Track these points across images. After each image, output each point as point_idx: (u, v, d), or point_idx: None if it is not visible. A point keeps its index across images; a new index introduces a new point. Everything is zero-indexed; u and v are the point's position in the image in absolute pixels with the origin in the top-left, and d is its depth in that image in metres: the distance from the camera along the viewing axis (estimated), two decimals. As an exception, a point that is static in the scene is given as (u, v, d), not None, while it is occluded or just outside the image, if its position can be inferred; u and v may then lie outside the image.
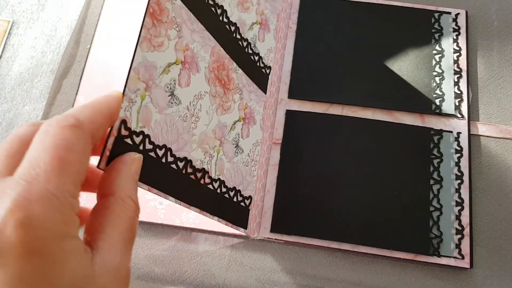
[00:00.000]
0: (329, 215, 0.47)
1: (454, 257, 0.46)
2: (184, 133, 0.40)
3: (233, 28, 0.46)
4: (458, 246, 0.46)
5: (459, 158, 0.49)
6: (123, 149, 0.32)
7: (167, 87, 0.40)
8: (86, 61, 0.52)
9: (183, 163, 0.40)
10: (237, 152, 0.45)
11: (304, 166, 0.49)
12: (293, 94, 0.52)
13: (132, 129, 0.34)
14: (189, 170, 0.40)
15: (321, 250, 0.48)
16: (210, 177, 0.42)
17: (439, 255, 0.46)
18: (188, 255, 0.48)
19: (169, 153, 0.39)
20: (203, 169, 0.41)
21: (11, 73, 0.52)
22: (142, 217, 0.47)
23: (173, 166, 0.39)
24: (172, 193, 0.37)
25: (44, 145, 0.21)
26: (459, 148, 0.50)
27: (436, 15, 0.56)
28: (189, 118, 0.41)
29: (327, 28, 0.55)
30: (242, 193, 0.46)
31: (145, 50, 0.36)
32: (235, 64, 0.45)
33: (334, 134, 0.50)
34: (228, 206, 0.44)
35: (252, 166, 0.48)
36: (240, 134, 0.46)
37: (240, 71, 0.46)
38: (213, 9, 0.44)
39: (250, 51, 0.48)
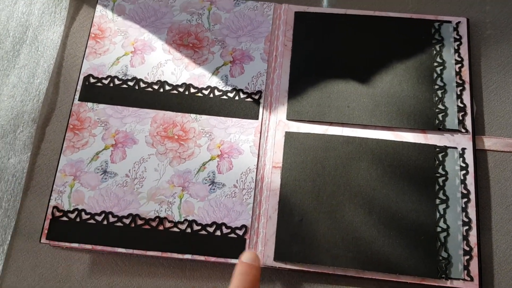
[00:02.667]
0: (333, 240, 0.46)
1: (462, 279, 0.45)
2: (126, 196, 0.48)
3: (182, 89, 0.52)
4: (466, 267, 0.45)
5: (464, 175, 0.48)
6: (59, 225, 0.47)
7: (98, 169, 0.49)
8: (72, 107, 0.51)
9: (129, 219, 0.47)
10: (213, 189, 0.48)
11: (305, 190, 0.48)
12: (291, 115, 0.51)
13: (66, 210, 0.47)
14: (139, 222, 0.47)
15: (326, 277, 0.47)
16: (172, 221, 0.47)
17: (447, 278, 0.45)
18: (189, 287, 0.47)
19: (110, 215, 0.47)
20: (158, 217, 0.47)
21: None
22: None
23: (118, 224, 0.47)
24: (120, 245, 0.46)
25: None
26: (464, 165, 0.48)
27: (436, 24, 0.54)
28: (131, 182, 0.49)
29: (324, 44, 0.54)
30: (229, 225, 0.46)
31: (68, 155, 0.50)
32: (193, 115, 0.51)
33: (335, 156, 0.49)
34: (209, 241, 0.46)
35: (244, 195, 0.47)
36: (217, 171, 0.48)
37: (204, 116, 0.51)
38: (149, 89, 0.52)
39: (218, 93, 0.51)
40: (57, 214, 0.47)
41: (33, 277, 0.48)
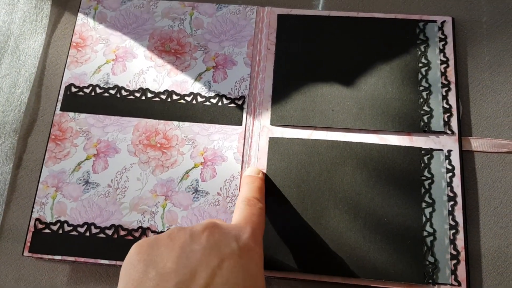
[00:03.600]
0: (318, 247, 0.45)
1: (450, 284, 0.44)
2: (108, 206, 0.48)
3: (164, 96, 0.51)
4: (453, 272, 0.44)
5: (451, 177, 0.47)
6: (42, 238, 0.47)
7: (80, 180, 0.49)
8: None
9: (112, 230, 0.47)
10: (197, 197, 0.47)
11: (290, 196, 0.47)
12: (275, 120, 0.50)
13: (48, 222, 0.47)
14: (122, 233, 0.47)
15: (312, 285, 0.46)
16: (155, 232, 0.47)
17: (434, 283, 0.44)
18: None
19: (92, 227, 0.47)
20: (141, 227, 0.47)
21: None
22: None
23: (101, 235, 0.47)
24: (103, 257, 0.46)
25: None
26: (450, 167, 0.48)
27: (421, 24, 0.53)
28: (113, 192, 0.48)
29: (307, 46, 0.53)
30: None
31: (50, 166, 0.50)
32: (176, 122, 0.50)
33: (319, 160, 0.48)
34: None
35: (228, 203, 0.47)
36: (200, 178, 0.47)
37: (187, 123, 0.50)
38: (131, 97, 0.52)
39: (201, 99, 0.50)
40: (40, 226, 0.47)
41: (16, 290, 0.47)
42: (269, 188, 0.48)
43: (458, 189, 0.47)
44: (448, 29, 0.53)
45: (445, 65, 0.51)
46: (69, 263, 0.48)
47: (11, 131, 0.52)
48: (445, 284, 0.44)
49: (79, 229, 0.47)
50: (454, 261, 0.45)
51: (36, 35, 0.57)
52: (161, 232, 0.47)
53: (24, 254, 0.46)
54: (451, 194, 0.47)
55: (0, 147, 0.52)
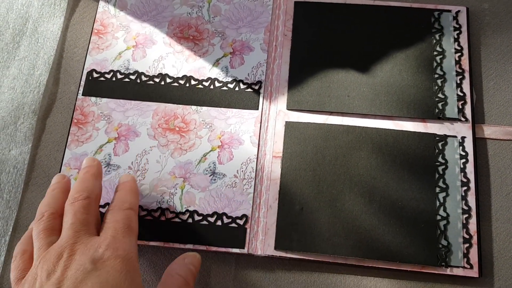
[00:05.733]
0: (333, 229, 0.46)
1: (462, 267, 0.45)
2: None
3: (182, 82, 0.52)
4: (466, 255, 0.45)
5: (464, 163, 0.48)
6: None
7: (102, 162, 0.49)
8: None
9: None
10: (214, 180, 0.48)
11: (306, 179, 0.48)
12: (291, 105, 0.51)
13: None
14: (142, 213, 0.48)
15: (326, 266, 0.47)
16: (174, 212, 0.48)
17: (446, 266, 0.45)
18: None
19: None
20: (160, 208, 0.48)
21: None
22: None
23: None
24: None
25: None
26: (464, 153, 0.48)
27: (436, 13, 0.54)
28: (133, 174, 0.49)
29: (323, 33, 0.54)
30: (230, 214, 0.47)
31: (73, 149, 0.51)
32: (194, 107, 0.51)
33: (335, 145, 0.49)
34: (210, 231, 0.46)
35: (245, 185, 0.47)
36: (217, 161, 0.48)
37: (205, 108, 0.51)
38: (150, 82, 0.53)
39: (219, 84, 0.51)
40: None
41: (35, 267, 0.48)
42: (285, 171, 0.48)
43: (471, 175, 0.48)
44: (463, 19, 0.54)
45: (459, 54, 0.52)
46: (88, 242, 0.48)
47: (30, 112, 0.53)
48: (458, 267, 0.45)
49: (100, 209, 0.48)
50: (467, 245, 0.45)
51: (55, 18, 0.58)
52: (180, 213, 0.47)
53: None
54: (464, 180, 0.48)
55: (19, 128, 0.53)
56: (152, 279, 0.47)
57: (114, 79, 0.53)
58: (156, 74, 0.53)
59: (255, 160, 0.49)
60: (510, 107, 0.51)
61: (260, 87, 0.52)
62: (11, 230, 0.49)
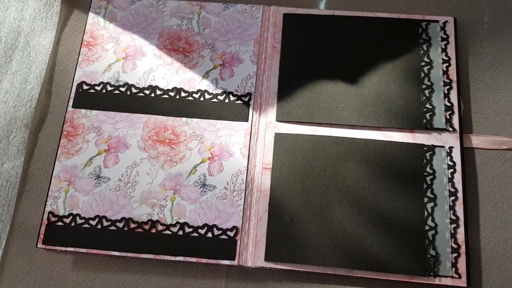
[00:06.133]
0: (323, 240, 0.46)
1: (450, 277, 0.45)
2: (119, 200, 0.49)
3: (172, 94, 0.53)
4: (454, 265, 0.46)
5: (452, 173, 0.49)
6: (55, 230, 0.48)
7: (92, 174, 0.50)
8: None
9: (122, 223, 0.48)
10: (204, 191, 0.48)
11: (295, 190, 0.48)
12: (280, 116, 0.52)
13: (61, 215, 0.48)
14: (132, 225, 0.48)
15: (316, 277, 0.47)
16: (164, 224, 0.48)
17: (435, 275, 0.45)
18: (183, 288, 0.48)
19: (104, 219, 0.48)
20: (150, 220, 0.48)
21: None
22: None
23: (112, 228, 0.48)
24: (114, 249, 0.47)
25: None
26: (451, 163, 0.49)
27: (424, 24, 0.54)
28: (124, 186, 0.49)
29: (312, 45, 0.54)
30: (220, 226, 0.47)
31: (63, 161, 0.51)
32: (184, 119, 0.52)
33: (324, 156, 0.49)
34: (201, 243, 0.47)
35: (235, 196, 0.48)
36: (208, 173, 0.49)
37: (195, 120, 0.52)
38: (140, 94, 0.53)
39: (209, 96, 0.52)
40: (53, 219, 0.48)
41: (28, 281, 0.49)
42: (275, 182, 0.49)
43: (459, 185, 0.48)
44: (450, 29, 0.54)
45: (447, 64, 0.53)
46: (80, 255, 0.49)
47: (22, 126, 0.54)
48: (446, 277, 0.45)
49: (91, 221, 0.48)
50: (455, 255, 0.46)
51: (46, 32, 0.58)
52: (170, 225, 0.48)
53: (38, 246, 0.47)
54: (452, 190, 0.48)
55: (12, 142, 0.53)
56: (144, 291, 0.48)
57: (104, 91, 0.53)
58: (146, 86, 0.53)
59: (245, 171, 0.50)
60: (497, 117, 0.52)
61: (249, 99, 0.52)
62: (4, 243, 0.50)
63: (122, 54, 0.55)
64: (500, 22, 0.55)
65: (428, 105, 0.51)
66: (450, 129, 0.50)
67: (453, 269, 0.46)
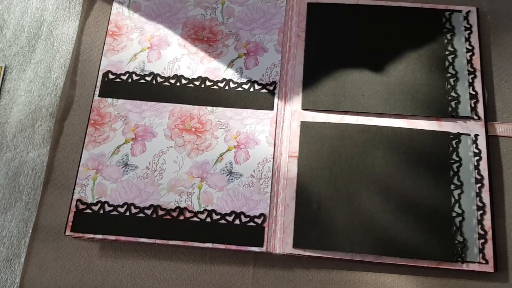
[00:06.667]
0: (351, 227, 0.47)
1: (478, 262, 0.46)
2: (147, 187, 0.49)
3: (197, 83, 0.53)
4: (481, 250, 0.46)
5: (478, 161, 0.49)
6: (83, 218, 0.48)
7: (119, 162, 0.50)
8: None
9: (150, 210, 0.48)
10: (231, 179, 0.49)
11: (322, 178, 0.49)
12: (306, 105, 0.52)
13: (89, 202, 0.48)
14: (161, 212, 0.48)
15: (344, 263, 0.48)
16: (192, 211, 0.48)
17: (463, 261, 0.46)
18: (210, 276, 0.48)
19: (132, 207, 0.49)
20: (178, 207, 0.48)
21: (11, 121, 0.52)
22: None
23: (140, 215, 0.48)
24: (143, 236, 0.47)
25: None
26: (477, 151, 0.49)
27: (447, 14, 0.55)
28: (151, 174, 0.50)
29: (336, 33, 0.54)
30: (248, 214, 0.48)
31: (90, 149, 0.51)
32: (210, 108, 0.52)
33: (351, 144, 0.50)
34: (229, 230, 0.47)
35: (262, 184, 0.48)
36: (234, 161, 0.49)
37: (220, 109, 0.52)
38: (166, 83, 0.53)
39: (234, 85, 0.52)
40: (81, 206, 0.48)
41: (55, 268, 0.49)
42: (302, 170, 0.49)
43: (485, 172, 0.48)
44: (473, 19, 0.54)
45: (470, 53, 0.53)
46: (107, 242, 0.49)
47: (47, 115, 0.54)
48: (473, 262, 0.46)
49: (119, 209, 0.48)
50: (482, 240, 0.46)
51: (70, 22, 0.58)
52: (198, 212, 0.48)
53: (66, 234, 0.48)
54: (478, 177, 0.48)
55: (37, 130, 0.53)
56: (172, 277, 0.48)
57: (130, 80, 0.53)
58: (171, 76, 0.53)
59: (272, 159, 0.50)
60: (521, 105, 0.52)
61: (274, 88, 0.53)
62: (30, 231, 0.50)
63: (147, 43, 0.55)
64: (522, 12, 0.55)
65: (453, 94, 0.51)
66: (475, 117, 0.50)
67: (480, 254, 0.46)
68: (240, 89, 0.53)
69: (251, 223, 0.48)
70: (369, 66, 0.53)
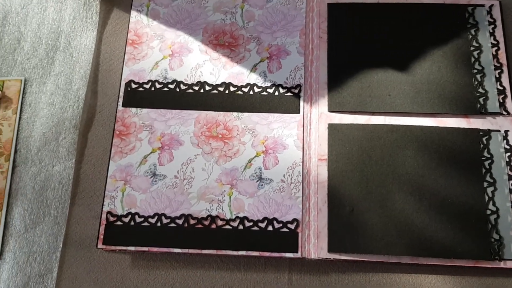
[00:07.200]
0: (386, 228, 0.46)
1: (515, 259, 0.45)
2: (177, 197, 0.49)
3: (221, 89, 0.52)
4: (518, 247, 0.46)
5: (509, 157, 0.48)
6: (114, 230, 0.47)
7: (147, 172, 0.50)
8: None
9: (182, 219, 0.48)
10: (261, 185, 0.48)
11: (353, 180, 0.48)
12: (332, 106, 0.51)
13: (119, 214, 0.48)
14: (192, 222, 0.48)
15: (380, 266, 0.47)
16: (224, 219, 0.47)
17: (500, 259, 0.45)
18: (245, 284, 0.48)
19: (163, 217, 0.48)
20: (210, 215, 0.48)
21: (34, 134, 0.51)
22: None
23: (172, 225, 0.48)
24: (175, 246, 0.47)
25: None
26: (508, 147, 0.49)
27: (470, 9, 0.54)
28: (180, 183, 0.49)
29: (359, 33, 0.54)
30: (280, 219, 0.47)
31: (117, 160, 0.51)
32: (235, 113, 0.51)
33: (380, 145, 0.49)
34: (262, 237, 0.47)
35: (293, 189, 0.48)
36: (263, 166, 0.49)
37: (246, 114, 0.51)
38: (190, 90, 0.52)
39: (258, 89, 0.52)
40: (111, 219, 0.48)
41: (88, 282, 0.48)
42: (332, 173, 0.49)
43: (517, 168, 0.48)
44: (496, 13, 0.54)
45: (496, 48, 0.52)
46: (139, 254, 0.49)
47: (71, 127, 0.53)
48: (511, 260, 0.45)
49: (150, 220, 0.48)
50: (518, 237, 0.46)
51: (87, 32, 0.58)
52: (230, 219, 0.48)
53: (98, 247, 0.47)
54: (511, 173, 0.48)
55: (61, 143, 0.53)
56: (207, 287, 0.47)
57: (153, 89, 0.53)
58: (195, 82, 0.53)
59: (301, 163, 0.50)
60: (549, 98, 0.51)
61: (300, 91, 0.52)
62: (61, 245, 0.50)
63: (168, 51, 0.54)
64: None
65: (480, 90, 0.51)
66: (504, 112, 0.50)
67: (518, 252, 0.45)
68: (264, 93, 0.52)
69: (284, 229, 0.47)
70: (394, 65, 0.52)
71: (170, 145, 0.51)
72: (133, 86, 0.53)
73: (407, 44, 0.53)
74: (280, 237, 0.47)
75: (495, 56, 0.52)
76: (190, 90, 0.53)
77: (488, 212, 0.47)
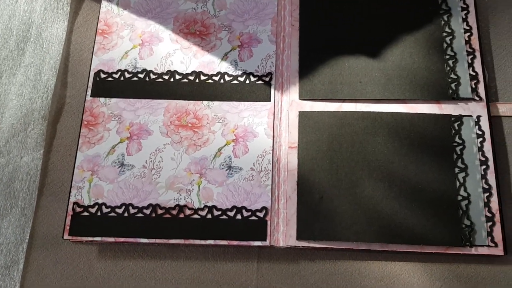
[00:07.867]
0: (355, 216, 0.46)
1: (487, 246, 0.45)
2: (144, 186, 0.48)
3: (192, 77, 0.52)
4: (490, 234, 0.45)
5: (481, 142, 0.48)
6: (81, 221, 0.47)
7: (115, 162, 0.49)
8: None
9: (149, 209, 0.47)
10: (231, 174, 0.48)
11: (323, 168, 0.48)
12: (303, 94, 0.51)
13: (86, 205, 0.48)
14: (160, 211, 0.47)
15: (350, 253, 0.46)
16: (192, 209, 0.47)
17: (471, 245, 0.45)
18: (213, 273, 0.47)
19: (130, 207, 0.47)
20: (178, 205, 0.47)
21: (3, 126, 0.51)
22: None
23: (139, 215, 0.47)
24: (142, 236, 0.46)
25: None
26: (480, 132, 0.48)
27: (442, -5, 0.54)
28: (148, 173, 0.48)
29: (330, 21, 0.53)
30: (249, 208, 0.47)
31: (85, 151, 0.50)
32: (205, 102, 0.51)
33: (350, 132, 0.49)
34: (230, 225, 0.46)
35: (262, 177, 0.47)
36: (233, 155, 0.48)
37: (216, 103, 0.51)
38: (159, 80, 0.52)
39: (229, 78, 0.51)
40: (78, 209, 0.47)
41: (54, 274, 0.48)
42: (302, 161, 0.48)
43: (489, 154, 0.47)
44: (469, -1, 0.53)
45: (468, 34, 0.52)
46: (106, 244, 0.48)
47: (39, 118, 0.53)
48: (482, 246, 0.45)
49: (117, 210, 0.47)
50: (490, 223, 0.45)
51: (58, 23, 0.57)
52: (198, 209, 0.47)
53: (64, 238, 0.47)
54: (482, 159, 0.47)
55: (30, 134, 0.52)
56: (175, 277, 0.47)
57: (122, 78, 0.52)
58: (164, 72, 0.52)
59: (271, 152, 0.49)
60: (523, 84, 0.51)
61: (271, 79, 0.51)
62: (28, 237, 0.49)
63: (138, 40, 0.54)
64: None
65: (453, 75, 0.50)
66: (477, 98, 0.49)
67: (489, 238, 0.45)
68: (235, 81, 0.52)
69: (253, 217, 0.47)
70: (365, 52, 0.52)
71: (138, 134, 0.50)
72: (102, 76, 0.52)
73: (378, 31, 0.52)
74: (248, 225, 0.46)
75: (468, 42, 0.51)
76: (160, 80, 0.52)
77: (459, 198, 0.46)
